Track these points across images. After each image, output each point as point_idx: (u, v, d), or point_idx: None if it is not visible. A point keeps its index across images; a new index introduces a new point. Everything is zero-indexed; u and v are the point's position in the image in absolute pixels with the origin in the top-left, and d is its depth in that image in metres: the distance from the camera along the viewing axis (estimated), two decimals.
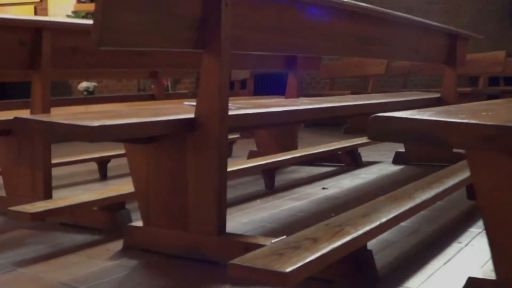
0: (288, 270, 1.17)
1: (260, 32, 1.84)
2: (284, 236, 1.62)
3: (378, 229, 1.53)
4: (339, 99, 2.82)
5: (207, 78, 1.65)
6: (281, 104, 2.23)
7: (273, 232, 2.05)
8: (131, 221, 2.08)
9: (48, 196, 2.32)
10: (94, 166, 3.47)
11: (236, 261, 1.23)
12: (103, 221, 2.08)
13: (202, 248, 1.71)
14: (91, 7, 6.46)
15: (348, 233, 1.43)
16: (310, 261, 1.23)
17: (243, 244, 1.64)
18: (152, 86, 6.42)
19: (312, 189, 2.86)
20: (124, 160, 3.69)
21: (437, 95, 3.42)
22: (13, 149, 2.38)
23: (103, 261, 1.77)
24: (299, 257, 1.24)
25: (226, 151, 1.68)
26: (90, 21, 2.62)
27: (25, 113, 2.54)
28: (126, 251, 1.86)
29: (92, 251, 1.88)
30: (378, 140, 1.31)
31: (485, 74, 5.60)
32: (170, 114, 1.71)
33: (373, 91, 5.33)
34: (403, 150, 3.58)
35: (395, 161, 3.56)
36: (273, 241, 1.60)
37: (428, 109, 1.16)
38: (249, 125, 2.04)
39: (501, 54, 5.21)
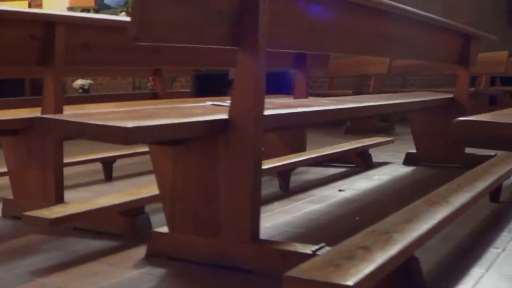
0: (351, 282, 1.09)
1: (293, 30, 1.76)
2: (323, 244, 1.55)
3: (426, 236, 1.46)
4: (356, 99, 2.75)
5: (242, 76, 1.56)
6: (306, 104, 2.15)
7: (301, 237, 1.97)
8: (151, 226, 1.99)
9: (59, 199, 2.20)
10: (97, 166, 3.35)
11: (292, 273, 1.15)
12: (122, 226, 1.98)
13: (234, 256, 1.62)
14: (86, 2, 6.32)
15: (398, 241, 1.36)
16: (371, 272, 1.15)
17: (280, 251, 1.55)
18: (148, 84, 6.31)
19: (328, 191, 2.78)
20: (129, 160, 3.63)
21: (450, 95, 3.36)
22: (22, 149, 2.26)
23: (127, 270, 1.68)
24: (357, 268, 1.17)
25: (261, 153, 1.60)
26: (104, 16, 2.52)
27: (26, 112, 2.43)
28: (150, 259, 1.76)
29: (113, 259, 1.78)
30: (463, 145, 1.24)
31: (487, 75, 5.58)
32: (202, 115, 1.62)
33: (374, 91, 5.26)
34: (413, 151, 3.52)
35: (406, 162, 3.50)
36: (313, 248, 1.52)
37: (499, 112, 1.09)
38: (283, 126, 1.96)
39: (503, 54, 5.19)
